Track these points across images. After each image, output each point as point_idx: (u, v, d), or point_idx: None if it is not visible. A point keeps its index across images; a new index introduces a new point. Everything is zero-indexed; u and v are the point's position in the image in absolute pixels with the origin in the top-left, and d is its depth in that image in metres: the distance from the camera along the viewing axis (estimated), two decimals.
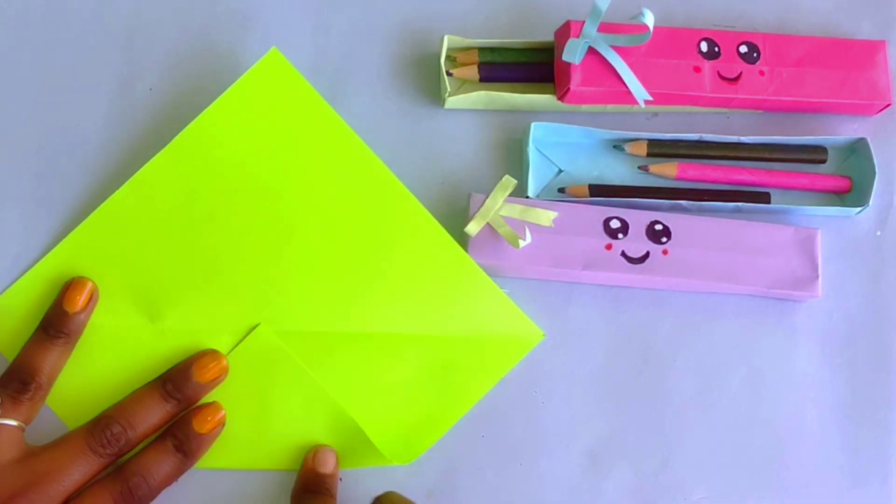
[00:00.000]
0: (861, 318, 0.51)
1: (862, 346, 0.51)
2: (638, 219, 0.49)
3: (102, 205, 0.47)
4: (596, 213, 0.49)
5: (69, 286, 0.45)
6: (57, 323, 0.45)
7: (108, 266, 0.47)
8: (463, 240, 0.48)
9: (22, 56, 0.51)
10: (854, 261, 0.52)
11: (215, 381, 0.45)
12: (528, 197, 0.49)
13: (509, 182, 0.47)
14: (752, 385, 0.50)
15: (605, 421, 0.49)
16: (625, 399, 0.49)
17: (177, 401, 0.44)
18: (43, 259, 0.47)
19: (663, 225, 0.49)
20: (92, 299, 0.46)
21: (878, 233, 0.52)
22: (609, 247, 0.48)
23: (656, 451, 0.49)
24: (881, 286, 0.52)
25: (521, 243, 0.46)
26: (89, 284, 0.46)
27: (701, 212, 0.50)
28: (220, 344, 0.47)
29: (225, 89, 0.50)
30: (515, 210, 0.47)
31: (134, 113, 0.50)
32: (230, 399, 0.46)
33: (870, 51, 0.52)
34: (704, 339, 0.50)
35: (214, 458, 0.46)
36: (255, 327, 0.47)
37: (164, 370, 0.46)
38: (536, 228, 0.48)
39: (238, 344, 0.47)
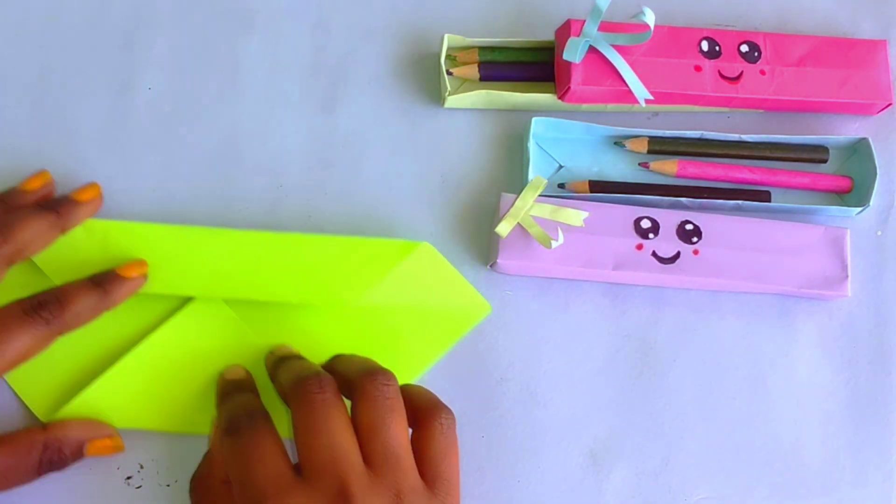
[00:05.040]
0: (862, 317, 0.51)
1: (863, 346, 0.51)
2: (668, 218, 0.49)
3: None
4: (626, 212, 0.48)
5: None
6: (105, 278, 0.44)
7: None
8: (490, 240, 0.48)
9: (22, 56, 0.51)
10: (854, 261, 0.51)
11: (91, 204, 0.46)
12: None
13: (540, 182, 0.47)
14: (753, 385, 0.50)
15: (605, 421, 0.49)
16: (625, 399, 0.49)
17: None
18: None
19: (694, 225, 0.49)
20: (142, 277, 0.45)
21: (879, 233, 0.52)
22: (640, 247, 0.48)
23: (656, 451, 0.48)
24: (882, 286, 0.51)
25: (554, 244, 0.46)
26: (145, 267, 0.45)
27: (703, 209, 0.50)
28: (159, 308, 0.46)
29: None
30: (546, 210, 0.47)
31: (134, 113, 0.50)
32: (176, 364, 0.46)
33: (870, 50, 0.52)
34: (705, 339, 0.50)
35: (162, 420, 0.46)
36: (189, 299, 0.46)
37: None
38: (566, 228, 0.47)
39: (178, 310, 0.46)
